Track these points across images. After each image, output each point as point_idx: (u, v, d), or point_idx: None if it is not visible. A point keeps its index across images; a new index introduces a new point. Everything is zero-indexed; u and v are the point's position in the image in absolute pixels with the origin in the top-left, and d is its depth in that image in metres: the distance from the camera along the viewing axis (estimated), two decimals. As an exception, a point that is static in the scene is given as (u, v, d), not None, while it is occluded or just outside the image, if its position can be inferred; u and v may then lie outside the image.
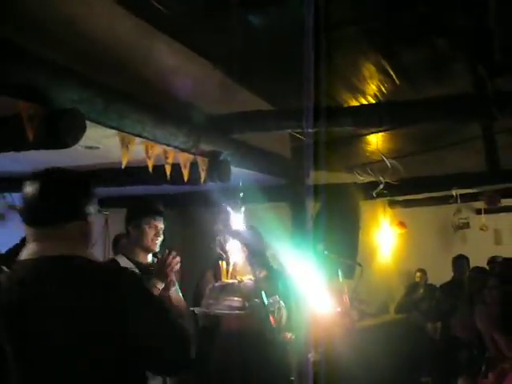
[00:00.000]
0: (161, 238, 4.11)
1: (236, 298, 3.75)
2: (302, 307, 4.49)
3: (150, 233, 4.03)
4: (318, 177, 5.99)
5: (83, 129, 2.81)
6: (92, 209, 2.25)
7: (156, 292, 3.57)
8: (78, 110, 2.75)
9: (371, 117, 3.91)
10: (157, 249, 4.14)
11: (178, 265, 3.81)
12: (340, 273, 4.78)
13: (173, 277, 3.77)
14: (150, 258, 4.18)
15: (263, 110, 4.45)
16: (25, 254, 2.13)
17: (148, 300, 2.19)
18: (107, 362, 2.03)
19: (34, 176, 2.18)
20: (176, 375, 2.92)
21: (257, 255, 4.37)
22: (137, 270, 4.05)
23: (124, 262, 4.06)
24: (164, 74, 3.83)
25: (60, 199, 2.17)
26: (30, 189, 2.15)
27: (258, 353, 3.82)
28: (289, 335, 4.27)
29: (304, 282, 4.76)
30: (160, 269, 3.70)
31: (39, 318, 2.01)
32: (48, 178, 2.20)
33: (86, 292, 2.04)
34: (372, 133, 6.21)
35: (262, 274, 4.45)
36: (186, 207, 6.63)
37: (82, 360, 2.00)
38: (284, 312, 4.19)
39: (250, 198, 5.21)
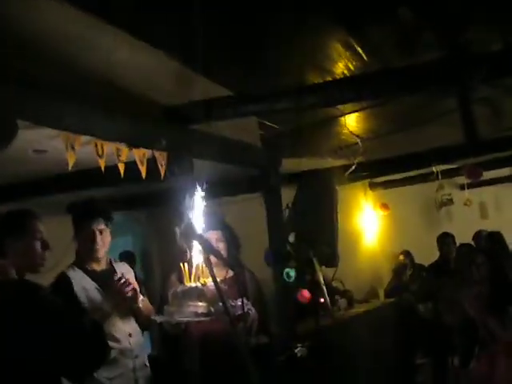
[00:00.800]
0: (105, 242, 3.89)
1: (200, 304, 3.48)
2: (281, 303, 4.29)
3: (91, 238, 3.81)
4: (290, 164, 5.77)
5: (13, 129, 2.54)
6: None
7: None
8: (6, 108, 2.48)
9: (336, 92, 3.65)
10: (101, 254, 3.91)
11: (130, 287, 3.68)
12: (316, 262, 4.56)
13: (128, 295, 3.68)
14: (103, 264, 3.96)
15: (223, 96, 4.18)
16: None
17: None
18: None
19: None
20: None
21: (222, 256, 4.15)
22: (89, 280, 3.84)
23: (74, 273, 3.84)
24: (112, 66, 3.56)
25: None
26: None
27: (224, 360, 3.59)
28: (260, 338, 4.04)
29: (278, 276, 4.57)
30: (112, 296, 3.64)
31: None
32: None
33: None
34: (344, 114, 5.97)
35: (229, 274, 4.23)
36: (152, 207, 6.38)
37: None
38: (255, 316, 3.96)
39: (218, 192, 4.99)
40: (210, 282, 3.54)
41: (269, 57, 4.39)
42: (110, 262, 4.06)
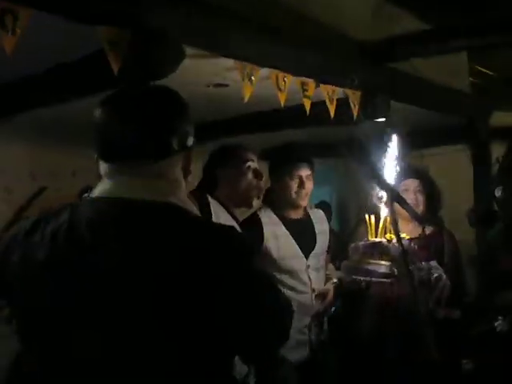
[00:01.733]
0: (309, 189, 3.58)
1: (383, 262, 3.10)
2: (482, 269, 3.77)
3: (293, 185, 3.51)
4: (501, 117, 5.13)
5: (180, 54, 2.32)
6: (191, 140, 1.66)
7: None
8: (169, 30, 2.25)
9: None
10: (305, 203, 3.61)
11: None
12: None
13: None
14: (301, 212, 3.67)
15: (425, 29, 3.69)
16: (98, 191, 1.61)
17: (247, 276, 1.55)
18: (183, 338, 1.51)
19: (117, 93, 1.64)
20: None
21: (412, 209, 3.70)
22: (282, 226, 3.59)
23: (267, 215, 3.60)
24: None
25: (152, 125, 1.59)
26: (107, 109, 1.61)
27: (407, 332, 3.19)
28: (453, 312, 3.55)
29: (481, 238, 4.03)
30: None
31: (106, 273, 1.48)
32: (133, 96, 1.63)
33: (172, 251, 1.48)
34: None
35: (427, 231, 3.78)
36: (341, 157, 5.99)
37: (150, 329, 1.47)
38: (446, 283, 3.48)
39: (419, 141, 4.53)
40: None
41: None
42: (305, 209, 3.77)
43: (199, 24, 2.45)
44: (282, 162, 3.54)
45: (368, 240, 3.26)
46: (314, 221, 3.71)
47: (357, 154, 3.48)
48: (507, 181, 4.00)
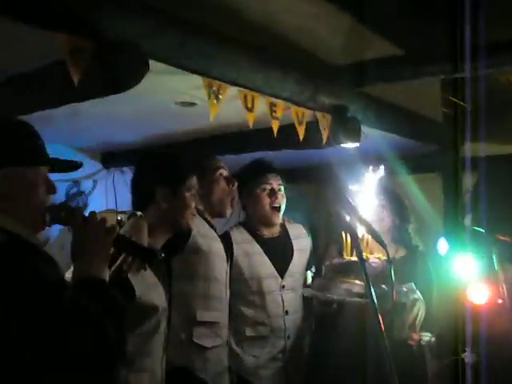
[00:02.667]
0: (281, 201, 3.49)
1: (357, 282, 3.01)
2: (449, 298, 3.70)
3: (265, 197, 3.44)
4: (475, 148, 5.12)
5: (144, 65, 2.24)
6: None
7: None
8: (134, 42, 2.18)
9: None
10: (278, 218, 3.52)
11: None
12: (496, 255, 3.90)
13: None
14: (276, 229, 3.58)
15: (398, 54, 3.66)
16: None
17: None
18: None
19: None
20: None
21: (397, 230, 3.62)
22: (255, 244, 3.50)
23: (239, 231, 3.52)
24: (271, 12, 3.18)
25: None
26: None
27: (380, 355, 3.10)
28: (422, 336, 3.46)
29: (453, 267, 3.96)
30: None
31: None
32: None
33: None
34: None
35: (400, 253, 3.70)
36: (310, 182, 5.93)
37: None
38: (421, 306, 3.40)
39: (389, 167, 4.48)
40: (373, 257, 3.07)
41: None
42: (282, 225, 3.65)
43: (166, 37, 2.37)
44: (251, 175, 3.49)
45: (343, 258, 3.19)
46: (291, 237, 3.62)
47: (328, 180, 3.43)
48: (479, 214, 3.98)
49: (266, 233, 3.53)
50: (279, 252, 3.52)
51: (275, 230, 3.57)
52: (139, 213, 2.50)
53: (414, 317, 3.29)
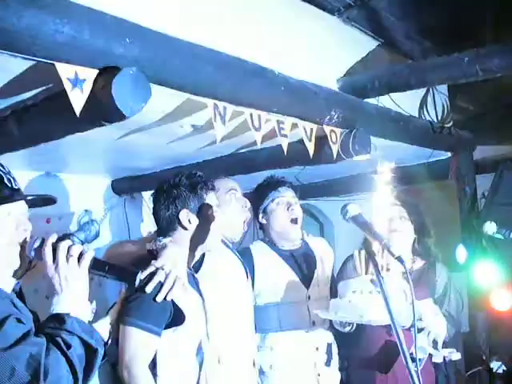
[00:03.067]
0: (299, 215, 3.45)
1: (374, 301, 2.93)
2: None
3: (282, 211, 3.40)
4: (484, 151, 5.06)
5: (147, 92, 2.22)
6: None
7: None
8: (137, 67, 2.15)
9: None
10: (297, 232, 3.47)
11: None
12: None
13: None
14: (297, 243, 3.54)
15: (404, 64, 3.62)
16: None
17: None
18: None
19: None
20: None
21: (417, 242, 3.56)
22: (277, 256, 3.46)
23: (260, 246, 3.49)
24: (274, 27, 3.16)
25: None
26: None
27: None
28: (446, 352, 3.37)
29: (474, 275, 3.89)
30: None
31: None
32: None
33: None
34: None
35: (418, 264, 3.63)
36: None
37: None
38: (441, 322, 3.32)
39: (403, 177, 4.43)
40: (391, 274, 2.99)
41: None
42: (301, 239, 3.61)
43: (169, 61, 2.34)
44: (264, 192, 3.45)
45: (358, 277, 3.11)
46: (313, 248, 3.58)
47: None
48: (497, 219, 3.90)
49: (287, 246, 3.49)
50: (302, 263, 3.47)
51: (296, 243, 3.53)
52: (167, 240, 2.61)
53: (436, 334, 3.20)
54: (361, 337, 3.29)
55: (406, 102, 3.93)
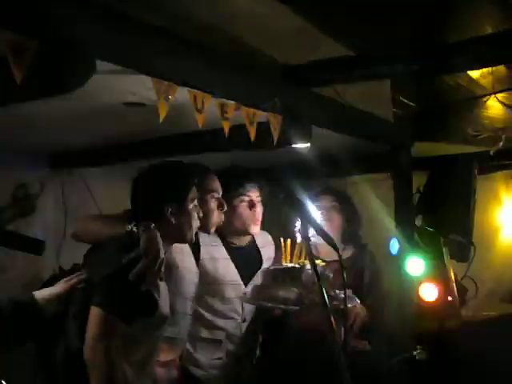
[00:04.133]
0: (260, 214, 3.45)
1: (293, 289, 3.00)
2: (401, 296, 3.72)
3: (244, 208, 3.39)
4: (424, 147, 5.17)
5: (91, 66, 2.19)
6: None
7: None
8: (80, 41, 2.11)
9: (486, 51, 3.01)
10: (256, 229, 3.49)
11: None
12: (446, 254, 3.96)
13: None
14: (247, 239, 3.53)
15: (349, 55, 3.67)
16: None
17: None
18: None
19: None
20: None
21: (347, 230, 3.63)
22: (223, 250, 3.45)
23: (207, 236, 3.42)
24: (222, 13, 3.15)
25: None
26: None
27: (316, 364, 3.10)
28: (363, 343, 3.48)
29: (405, 266, 4.00)
30: None
31: None
32: None
33: None
34: (491, 94, 5.27)
35: (347, 253, 3.71)
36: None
37: None
38: (361, 312, 3.42)
39: (339, 168, 4.50)
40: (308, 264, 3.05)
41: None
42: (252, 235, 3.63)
43: (115, 37, 2.31)
44: (229, 184, 3.42)
45: (280, 264, 3.17)
46: (259, 246, 3.60)
47: (276, 180, 3.41)
48: (429, 213, 4.02)
49: (236, 242, 3.50)
50: (246, 260, 3.49)
51: (246, 240, 3.54)
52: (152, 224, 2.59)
53: (352, 323, 3.29)
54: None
55: (349, 92, 3.98)
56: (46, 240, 3.53)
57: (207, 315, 3.35)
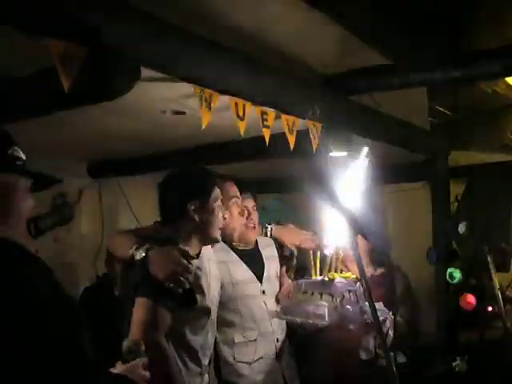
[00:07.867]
0: (256, 221, 3.47)
1: (322, 303, 2.99)
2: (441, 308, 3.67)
3: (240, 217, 3.41)
4: (460, 156, 5.13)
5: (136, 73, 2.21)
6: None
7: None
8: (126, 48, 2.14)
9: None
10: (254, 235, 3.50)
11: None
12: (491, 262, 3.88)
13: None
14: (251, 245, 3.55)
15: (387, 64, 3.65)
16: None
17: None
18: None
19: None
20: None
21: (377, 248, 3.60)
22: (232, 253, 3.46)
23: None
24: (266, 23, 3.16)
25: None
26: None
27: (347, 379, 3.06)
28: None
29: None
30: None
31: None
32: None
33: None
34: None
35: (376, 272, 3.69)
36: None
37: None
38: (390, 326, 3.37)
39: (378, 176, 4.46)
40: (338, 277, 3.03)
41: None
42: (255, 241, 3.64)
43: (159, 45, 2.33)
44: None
45: (310, 277, 3.15)
46: (260, 247, 3.62)
47: (318, 188, 3.39)
48: (470, 217, 3.96)
49: (242, 246, 3.51)
50: (254, 261, 3.50)
51: (250, 245, 3.56)
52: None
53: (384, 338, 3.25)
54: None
55: (386, 100, 3.96)
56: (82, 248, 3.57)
57: (235, 318, 3.36)
